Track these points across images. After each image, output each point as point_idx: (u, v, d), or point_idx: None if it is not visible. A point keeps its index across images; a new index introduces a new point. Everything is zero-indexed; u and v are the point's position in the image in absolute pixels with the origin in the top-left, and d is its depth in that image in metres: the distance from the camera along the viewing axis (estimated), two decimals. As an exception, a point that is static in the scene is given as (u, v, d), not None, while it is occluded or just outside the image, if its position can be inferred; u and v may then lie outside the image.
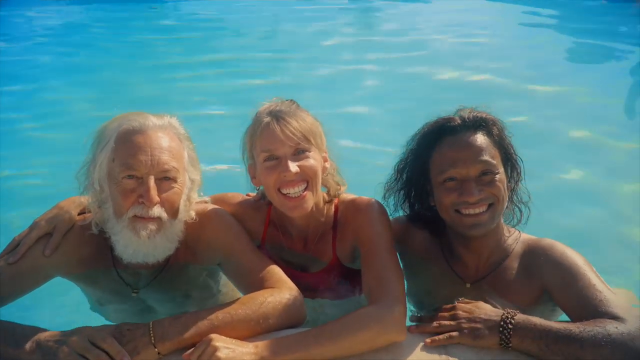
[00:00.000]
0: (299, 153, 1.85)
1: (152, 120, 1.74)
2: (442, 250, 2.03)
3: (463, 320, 1.66)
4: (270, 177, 1.85)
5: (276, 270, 1.84)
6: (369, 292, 1.75)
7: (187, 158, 1.81)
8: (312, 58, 7.47)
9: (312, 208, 1.92)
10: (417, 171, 1.98)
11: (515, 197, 1.97)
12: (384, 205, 2.02)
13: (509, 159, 1.90)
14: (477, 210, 1.80)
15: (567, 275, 1.71)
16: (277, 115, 1.84)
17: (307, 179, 1.86)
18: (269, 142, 1.83)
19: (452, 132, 1.85)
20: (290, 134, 1.80)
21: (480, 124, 1.85)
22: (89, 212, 1.84)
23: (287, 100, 1.96)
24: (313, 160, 1.86)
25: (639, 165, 4.30)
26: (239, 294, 2.37)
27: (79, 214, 1.90)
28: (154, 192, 1.66)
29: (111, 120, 1.77)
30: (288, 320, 1.70)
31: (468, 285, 1.94)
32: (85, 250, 1.87)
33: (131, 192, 1.68)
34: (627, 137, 5.14)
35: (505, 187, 1.84)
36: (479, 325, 1.62)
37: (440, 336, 1.64)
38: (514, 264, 1.87)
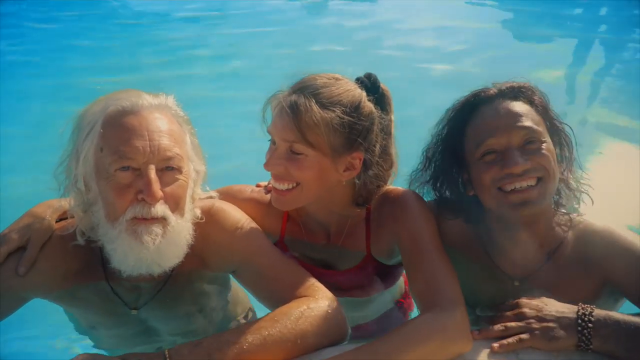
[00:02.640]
0: (292, 151, 1.59)
1: (146, 98, 1.42)
2: (483, 242, 1.77)
3: (532, 320, 1.43)
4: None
5: (307, 275, 1.57)
6: (420, 297, 1.52)
7: (189, 144, 1.50)
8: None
9: (331, 207, 1.72)
10: (449, 155, 1.72)
11: (572, 182, 1.70)
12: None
13: (556, 132, 1.65)
14: (524, 184, 1.53)
15: (635, 264, 1.50)
16: (289, 100, 1.58)
17: (295, 181, 1.61)
18: (272, 123, 1.63)
19: (489, 101, 1.61)
20: (288, 128, 1.57)
21: (519, 91, 1.62)
22: (71, 217, 1.50)
23: (359, 80, 1.69)
24: (305, 166, 1.58)
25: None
26: (247, 301, 2.11)
27: (57, 221, 1.56)
28: (156, 185, 1.34)
29: (95, 102, 1.43)
30: (330, 337, 1.43)
31: (516, 283, 1.69)
32: (68, 264, 1.52)
33: (127, 188, 1.35)
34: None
35: (555, 161, 1.59)
36: (552, 325, 1.40)
37: (509, 340, 1.41)
38: (568, 253, 1.64)
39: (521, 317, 1.46)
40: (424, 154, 1.78)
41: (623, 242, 1.55)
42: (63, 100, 4.89)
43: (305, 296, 1.50)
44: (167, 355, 1.26)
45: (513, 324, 1.45)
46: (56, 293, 1.55)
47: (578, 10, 8.79)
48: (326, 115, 1.54)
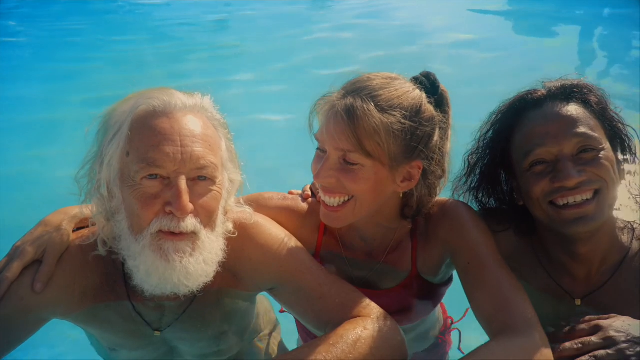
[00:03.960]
0: (346, 162, 1.42)
1: (180, 98, 1.27)
2: (538, 257, 1.59)
3: (623, 345, 1.24)
4: (313, 168, 1.50)
5: (356, 292, 1.43)
6: (489, 318, 1.36)
7: (225, 151, 1.35)
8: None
9: (378, 219, 1.55)
10: (495, 163, 1.56)
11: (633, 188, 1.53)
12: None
13: (617, 135, 1.46)
14: (578, 199, 1.37)
15: None
16: (345, 104, 1.41)
17: (349, 194, 1.44)
18: (321, 131, 1.46)
19: (537, 105, 1.45)
20: (343, 137, 1.40)
21: (572, 92, 1.44)
22: (92, 225, 1.36)
23: (416, 79, 1.51)
24: (361, 177, 1.42)
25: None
26: (272, 309, 1.93)
27: (74, 231, 1.41)
28: (186, 197, 1.20)
29: (124, 100, 1.29)
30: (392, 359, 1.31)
31: (578, 302, 1.52)
32: (88, 279, 1.38)
33: (154, 199, 1.21)
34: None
35: (616, 169, 1.41)
36: None
37: None
38: (634, 265, 1.48)
39: (609, 341, 1.26)
40: (467, 160, 1.62)
41: None
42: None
43: (358, 316, 1.36)
44: None
45: (603, 352, 1.24)
46: (76, 314, 1.40)
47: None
48: (386, 120, 1.36)
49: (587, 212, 1.37)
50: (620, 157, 1.48)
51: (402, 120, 1.37)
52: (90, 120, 1.31)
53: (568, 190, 1.37)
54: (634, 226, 1.51)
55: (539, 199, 1.42)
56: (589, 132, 1.38)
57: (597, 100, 1.45)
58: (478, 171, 1.61)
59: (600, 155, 1.38)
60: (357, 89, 1.40)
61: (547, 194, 1.40)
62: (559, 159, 1.39)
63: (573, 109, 1.41)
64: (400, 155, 1.40)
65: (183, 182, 1.20)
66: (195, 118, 1.27)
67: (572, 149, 1.38)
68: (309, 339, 1.82)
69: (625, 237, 1.50)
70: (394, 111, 1.37)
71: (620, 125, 1.47)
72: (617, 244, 1.50)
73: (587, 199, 1.37)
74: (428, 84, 1.47)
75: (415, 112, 1.40)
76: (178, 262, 1.22)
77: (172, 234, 1.22)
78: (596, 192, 1.38)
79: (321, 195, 1.48)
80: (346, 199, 1.44)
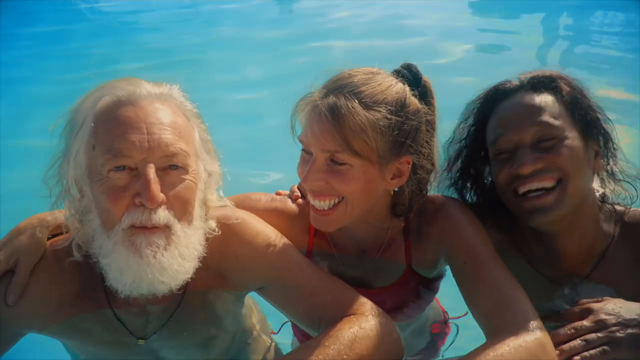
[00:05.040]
0: (334, 163, 1.37)
1: (146, 87, 1.22)
2: (522, 251, 1.60)
3: (614, 328, 1.26)
4: (299, 171, 1.46)
5: (349, 289, 1.38)
6: (487, 316, 1.33)
7: (198, 140, 1.30)
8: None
9: (369, 219, 1.52)
10: (473, 153, 1.58)
11: (618, 173, 1.54)
12: None
13: (591, 125, 1.46)
14: (536, 185, 1.39)
15: None
16: (327, 103, 1.37)
17: (339, 196, 1.39)
18: (304, 133, 1.42)
19: (507, 95, 1.49)
20: (329, 137, 1.35)
21: (542, 82, 1.46)
22: (66, 231, 1.30)
23: (397, 72, 1.47)
24: (351, 178, 1.37)
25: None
26: (259, 308, 1.87)
27: (49, 238, 1.35)
28: (155, 186, 1.14)
29: (88, 93, 1.24)
30: (389, 358, 1.27)
31: (566, 291, 1.55)
32: (65, 288, 1.31)
33: (123, 191, 1.15)
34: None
35: (581, 159, 1.41)
36: (637, 331, 1.25)
37: (592, 352, 1.24)
38: (619, 249, 1.51)
39: (601, 325, 1.28)
40: (447, 154, 1.63)
41: None
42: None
43: (352, 314, 1.30)
44: None
45: (594, 335, 1.26)
46: (53, 326, 1.33)
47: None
48: (372, 117, 1.31)
49: (546, 202, 1.40)
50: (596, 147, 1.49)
51: (388, 116, 1.33)
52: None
53: (525, 177, 1.39)
54: (617, 208, 1.53)
55: (503, 187, 1.46)
56: (550, 120, 1.41)
57: (568, 89, 1.46)
58: (459, 164, 1.62)
59: (560, 144, 1.39)
60: (339, 87, 1.36)
61: (509, 182, 1.44)
62: (518, 147, 1.42)
63: (538, 99, 1.44)
64: (389, 151, 1.36)
65: (152, 171, 1.14)
66: (163, 106, 1.22)
67: (530, 138, 1.41)
68: (304, 338, 1.75)
69: (609, 226, 1.52)
70: (379, 107, 1.33)
71: (594, 114, 1.47)
72: (601, 231, 1.52)
73: (548, 188, 1.39)
74: (410, 76, 1.44)
75: (400, 107, 1.36)
76: (151, 257, 1.16)
77: (145, 228, 1.16)
78: (559, 182, 1.39)
79: (310, 199, 1.43)
80: (336, 201, 1.40)
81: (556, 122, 1.40)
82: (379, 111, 1.32)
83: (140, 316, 1.37)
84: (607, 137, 1.50)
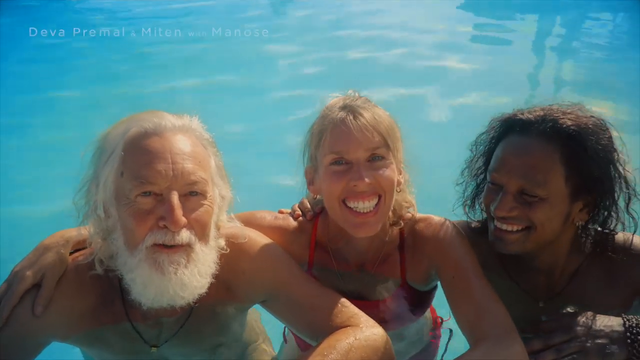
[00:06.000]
0: (374, 159, 1.50)
1: (169, 119, 1.34)
2: (505, 266, 1.73)
3: (584, 338, 1.41)
4: (335, 185, 1.50)
5: (346, 303, 1.49)
6: (470, 327, 1.48)
7: (214, 168, 1.42)
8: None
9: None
10: (483, 172, 1.70)
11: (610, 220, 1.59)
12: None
13: (589, 182, 1.49)
14: (504, 227, 1.53)
15: None
16: (354, 110, 1.49)
17: (380, 192, 1.51)
18: (342, 141, 1.48)
19: (516, 129, 1.54)
20: (370, 135, 1.46)
21: (553, 133, 1.47)
22: (89, 245, 1.41)
23: (357, 93, 1.61)
24: (390, 170, 1.51)
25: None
26: (259, 329, 1.99)
27: (71, 253, 1.46)
28: (179, 211, 1.26)
29: (117, 124, 1.36)
30: None
31: (541, 304, 1.67)
32: (86, 300, 1.42)
33: (148, 214, 1.27)
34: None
35: (557, 216, 1.50)
36: (604, 341, 1.39)
37: None
38: (591, 269, 1.63)
39: (572, 336, 1.42)
40: (466, 170, 1.76)
41: None
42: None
43: (348, 325, 1.42)
44: None
45: (565, 345, 1.41)
46: (75, 336, 1.45)
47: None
48: (386, 118, 1.53)
49: (507, 239, 1.54)
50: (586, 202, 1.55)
51: (391, 117, 1.57)
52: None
53: (500, 218, 1.53)
54: (591, 232, 1.61)
55: (485, 211, 1.62)
56: (539, 179, 1.45)
57: (577, 145, 1.45)
58: (474, 181, 1.74)
59: (540, 204, 1.47)
60: (350, 104, 1.53)
61: (489, 210, 1.57)
62: (504, 190, 1.51)
63: (538, 153, 1.47)
64: (396, 149, 1.56)
65: (175, 197, 1.27)
66: (185, 137, 1.34)
67: (516, 188, 1.49)
68: (304, 344, 1.87)
69: (584, 246, 1.62)
70: (386, 116, 1.55)
71: (603, 172, 1.48)
72: (576, 253, 1.63)
73: (512, 230, 1.53)
74: None
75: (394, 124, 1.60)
76: (173, 273, 1.27)
77: (166, 247, 1.28)
78: (525, 228, 1.51)
79: (354, 204, 1.51)
80: (377, 201, 1.52)
81: (543, 184, 1.45)
82: (391, 118, 1.56)
83: (154, 326, 1.48)
84: (607, 192, 1.50)
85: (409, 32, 7.74)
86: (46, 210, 3.56)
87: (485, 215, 1.69)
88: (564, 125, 1.46)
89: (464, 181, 1.77)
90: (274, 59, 6.71)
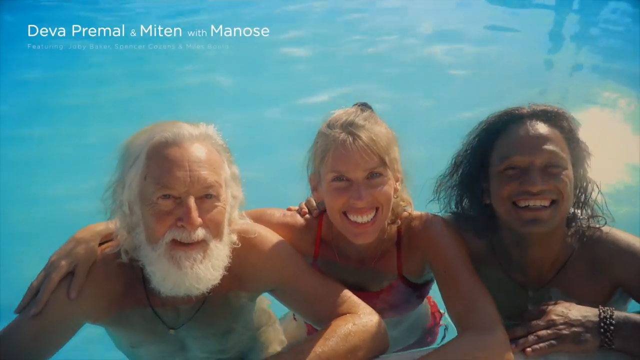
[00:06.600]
0: (372, 177, 1.63)
1: (187, 129, 1.49)
2: (497, 256, 1.84)
3: (561, 326, 1.54)
4: (337, 200, 1.65)
5: (347, 293, 1.66)
6: (459, 317, 1.62)
7: (227, 171, 1.57)
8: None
9: None
10: (475, 165, 1.79)
11: (586, 209, 1.76)
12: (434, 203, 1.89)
13: (579, 162, 1.70)
14: (537, 203, 1.61)
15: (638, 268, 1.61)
16: (353, 133, 1.61)
17: (378, 205, 1.66)
18: (342, 163, 1.61)
19: (519, 119, 1.68)
20: (367, 157, 1.59)
21: (551, 116, 1.68)
22: (115, 238, 1.59)
23: (362, 106, 1.73)
24: (387, 186, 1.65)
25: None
26: (268, 314, 2.17)
27: (100, 244, 1.63)
28: (195, 213, 1.41)
29: (139, 132, 1.51)
30: (375, 349, 1.56)
31: (531, 294, 1.80)
32: (113, 287, 1.60)
33: (167, 215, 1.43)
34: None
35: (572, 188, 1.65)
36: (579, 329, 1.52)
37: (541, 345, 1.53)
38: (577, 262, 1.74)
39: (550, 323, 1.56)
40: (453, 160, 1.85)
41: (629, 249, 1.65)
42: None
43: (348, 313, 1.58)
44: None
45: (544, 332, 1.55)
46: (104, 319, 1.64)
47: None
48: (384, 134, 1.64)
49: (542, 216, 1.60)
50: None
51: (388, 129, 1.69)
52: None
53: (531, 195, 1.60)
54: (584, 229, 1.73)
55: (505, 198, 1.65)
56: (559, 151, 1.62)
57: (569, 128, 1.68)
58: (460, 171, 1.84)
59: (562, 173, 1.61)
60: (350, 124, 1.63)
61: (513, 195, 1.63)
62: (530, 168, 1.61)
63: (549, 130, 1.64)
64: (395, 158, 1.69)
65: (192, 201, 1.42)
66: (201, 146, 1.48)
67: (541, 162, 1.61)
68: (311, 328, 2.07)
69: (573, 241, 1.74)
70: (383, 131, 1.66)
71: (583, 155, 1.70)
72: (565, 247, 1.75)
73: (544, 206, 1.61)
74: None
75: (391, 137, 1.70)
76: (189, 268, 1.44)
77: (184, 244, 1.43)
78: (553, 202, 1.61)
79: (354, 218, 1.66)
80: (374, 213, 1.66)
81: (562, 154, 1.62)
82: (387, 128, 1.68)
83: (172, 312, 1.66)
84: (586, 175, 1.72)
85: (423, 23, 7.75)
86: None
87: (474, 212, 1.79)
88: (552, 110, 1.68)
89: (444, 194, 1.86)
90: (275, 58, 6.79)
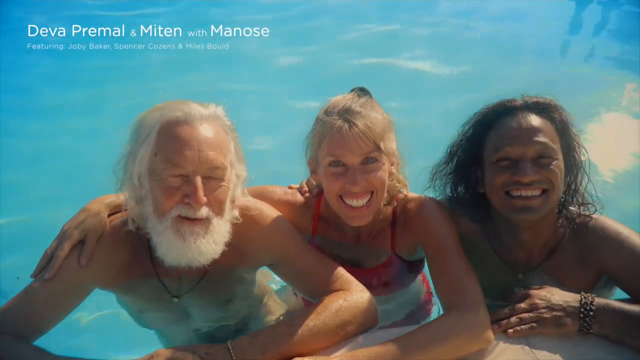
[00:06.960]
0: (368, 162, 1.70)
1: (197, 109, 1.55)
2: (489, 239, 1.92)
3: (543, 310, 1.60)
4: (333, 185, 1.73)
5: (340, 270, 1.73)
6: (445, 297, 1.69)
7: (233, 151, 1.64)
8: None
9: None
10: (469, 154, 1.86)
11: (576, 197, 1.82)
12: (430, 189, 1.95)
13: (570, 152, 1.76)
14: (529, 193, 1.68)
15: (628, 257, 1.66)
16: (349, 120, 1.67)
17: (372, 189, 1.73)
18: (339, 148, 1.68)
19: (512, 111, 1.75)
20: (362, 144, 1.65)
21: (543, 108, 1.74)
22: (124, 210, 1.68)
23: (359, 91, 1.79)
24: (382, 171, 1.72)
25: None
26: (267, 287, 2.28)
27: (109, 215, 1.73)
28: (201, 192, 1.49)
29: (152, 110, 1.59)
30: (365, 324, 1.62)
31: (520, 277, 1.86)
32: (121, 255, 1.70)
33: (175, 191, 1.51)
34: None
35: (562, 178, 1.72)
36: (559, 313, 1.58)
37: (523, 327, 1.60)
38: (567, 247, 1.81)
39: (533, 307, 1.62)
40: (449, 149, 1.92)
41: (616, 237, 1.70)
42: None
43: (340, 289, 1.66)
44: (231, 347, 1.44)
45: (526, 315, 1.62)
46: (113, 286, 1.74)
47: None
48: (379, 120, 1.70)
49: (532, 204, 1.68)
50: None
51: (383, 114, 1.75)
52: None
53: (522, 185, 1.67)
54: (574, 216, 1.80)
55: (498, 188, 1.72)
56: (550, 142, 1.68)
57: (561, 119, 1.74)
58: (456, 159, 1.91)
59: (553, 163, 1.68)
60: (347, 110, 1.69)
61: (506, 185, 1.70)
62: (521, 159, 1.68)
63: (541, 121, 1.70)
64: (390, 144, 1.75)
65: (199, 180, 1.49)
66: (210, 126, 1.55)
67: (533, 153, 1.68)
68: (307, 301, 2.14)
69: (563, 227, 1.81)
70: (379, 117, 1.72)
71: (574, 145, 1.77)
72: (555, 233, 1.82)
73: (535, 195, 1.68)
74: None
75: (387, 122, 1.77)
76: (192, 242, 1.52)
77: (189, 219, 1.52)
78: (544, 191, 1.69)
79: (349, 202, 1.73)
80: (369, 197, 1.74)
81: (553, 145, 1.67)
82: (380, 112, 1.72)
83: (176, 281, 1.75)
84: (576, 165, 1.77)
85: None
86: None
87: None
88: (544, 102, 1.74)
89: (439, 182, 1.93)
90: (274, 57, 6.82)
